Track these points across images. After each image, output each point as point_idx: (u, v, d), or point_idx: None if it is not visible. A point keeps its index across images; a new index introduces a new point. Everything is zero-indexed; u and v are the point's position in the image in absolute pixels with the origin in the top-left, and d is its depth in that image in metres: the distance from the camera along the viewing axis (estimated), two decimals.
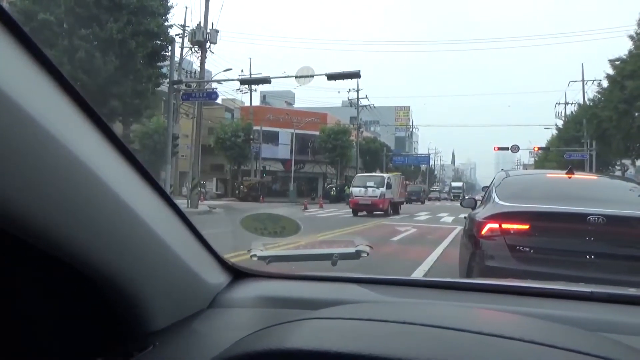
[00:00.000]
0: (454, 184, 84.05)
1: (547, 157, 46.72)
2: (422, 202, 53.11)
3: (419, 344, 0.67)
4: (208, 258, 1.13)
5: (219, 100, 45.60)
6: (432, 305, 1.04)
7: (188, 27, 27.75)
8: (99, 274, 0.81)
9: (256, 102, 74.77)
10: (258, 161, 45.12)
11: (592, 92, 30.36)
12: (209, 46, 23.92)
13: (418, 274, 6.27)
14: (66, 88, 0.67)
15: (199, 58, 24.40)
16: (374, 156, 59.65)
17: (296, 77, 20.13)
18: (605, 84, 22.76)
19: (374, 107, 59.11)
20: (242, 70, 52.27)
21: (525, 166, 77.59)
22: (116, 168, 0.79)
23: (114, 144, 0.78)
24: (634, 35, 19.64)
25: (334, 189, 43.75)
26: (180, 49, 30.38)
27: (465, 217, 4.59)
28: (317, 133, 49.85)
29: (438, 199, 63.98)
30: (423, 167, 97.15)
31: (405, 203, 45.06)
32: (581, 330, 0.79)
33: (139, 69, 20.04)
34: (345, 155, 49.10)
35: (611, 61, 20.96)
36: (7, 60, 0.60)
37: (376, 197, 22.47)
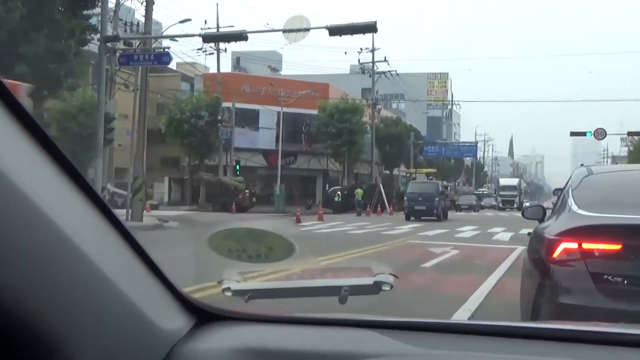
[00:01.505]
0: (504, 182, 75.68)
1: None
2: (476, 211, 56.55)
3: None
4: (162, 294, 1.16)
5: (172, 65, 45.82)
6: None
7: None
8: None
9: (226, 67, 75.40)
10: (229, 153, 44.74)
11: None
12: None
13: (461, 316, 6.36)
14: None
15: (144, 3, 24.33)
16: (398, 145, 58.59)
17: (285, 31, 20.11)
18: None
19: (397, 74, 58.21)
20: (205, 22, 51.87)
21: (615, 159, 75.83)
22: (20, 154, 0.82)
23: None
24: None
25: (340, 193, 43.68)
26: None
27: (529, 234, 4.64)
28: (314, 112, 49.68)
29: (495, 207, 63.32)
30: (467, 160, 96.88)
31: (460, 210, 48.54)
32: None
33: (57, 20, 19.74)
34: (355, 144, 48.61)
35: None
36: None
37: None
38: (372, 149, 53.40)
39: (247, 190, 39.95)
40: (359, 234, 21.06)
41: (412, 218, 31.61)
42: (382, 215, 37.90)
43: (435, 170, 66.36)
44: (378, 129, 56.99)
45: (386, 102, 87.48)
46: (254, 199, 40.48)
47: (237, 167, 45.05)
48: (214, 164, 44.38)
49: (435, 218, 31.26)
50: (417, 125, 73.20)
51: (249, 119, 50.67)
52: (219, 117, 42.62)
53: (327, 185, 50.96)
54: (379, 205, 42.05)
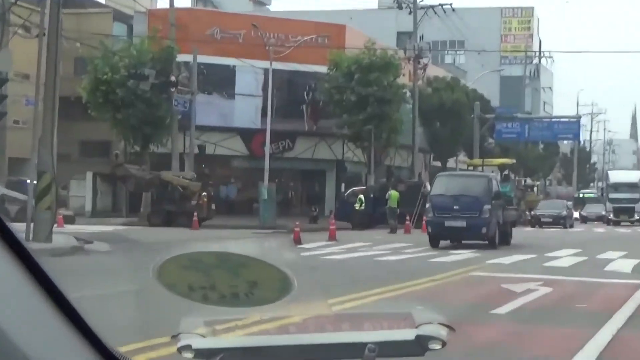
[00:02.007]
0: (616, 177, 72.81)
1: None
2: (569, 227, 55.61)
3: None
4: (84, 356, 1.21)
5: None
6: None
7: None
8: None
9: (183, 1, 75.15)
10: (188, 134, 45.21)
11: None
12: None
13: None
14: None
15: None
16: (454, 121, 59.68)
17: None
18: None
19: (452, 9, 58.29)
20: None
21: None
22: None
23: None
24: None
25: (363, 197, 44.05)
26: None
27: None
28: (323, 69, 50.34)
29: (605, 218, 62.48)
30: (565, 145, 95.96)
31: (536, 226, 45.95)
32: None
33: None
34: (386, 120, 49.18)
35: None
36: None
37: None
38: (414, 128, 53.09)
39: (202, 193, 39.70)
40: (392, 261, 21.00)
41: (448, 243, 28.83)
42: None
43: (514, 161, 66.23)
44: (423, 95, 56.75)
45: (436, 54, 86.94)
46: (212, 207, 40.55)
47: (201, 155, 45.25)
48: (164, 152, 44.55)
49: (486, 242, 27.65)
50: (485, 91, 73.19)
51: (221, 81, 50.90)
52: (173, 78, 42.66)
53: (342, 185, 51.18)
54: (424, 216, 41.81)
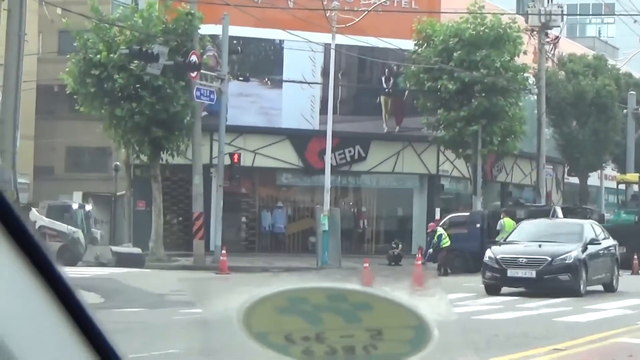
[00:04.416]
0: None
1: None
2: None
3: None
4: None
5: None
6: None
7: None
8: None
9: None
10: (216, 138, 45.72)
11: None
12: None
13: None
14: None
15: None
16: (599, 119, 60.01)
17: None
18: None
19: None
20: None
21: None
22: None
23: None
24: None
25: (443, 232, 43.16)
26: None
27: None
28: (409, 45, 50.92)
29: None
30: None
31: None
32: None
33: None
34: (499, 117, 49.57)
35: None
36: None
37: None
38: (540, 129, 53.46)
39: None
40: (503, 321, 21.25)
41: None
42: None
43: None
44: (554, 82, 56.77)
45: (574, 23, 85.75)
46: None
47: (234, 169, 45.13)
48: (182, 162, 45.11)
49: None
50: None
51: (263, 63, 51.40)
52: (194, 58, 42.58)
53: (437, 211, 51.40)
54: None
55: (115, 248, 42.94)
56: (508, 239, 34.51)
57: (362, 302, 1.81)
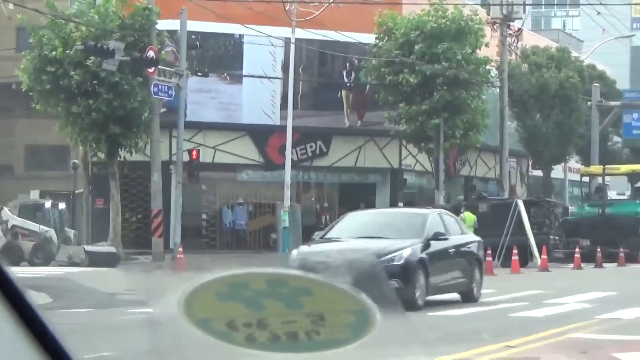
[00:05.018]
0: None
1: None
2: None
3: None
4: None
5: None
6: None
7: None
8: None
9: None
10: (175, 134, 45.84)
11: None
12: None
13: None
14: None
15: None
16: (562, 112, 60.10)
17: None
18: None
19: None
20: None
21: None
22: None
23: None
24: None
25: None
26: None
27: None
28: (369, 38, 51.29)
29: None
30: None
31: None
32: None
33: None
34: (462, 111, 49.48)
35: None
36: None
37: None
38: (503, 122, 53.50)
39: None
40: (459, 316, 21.55)
41: None
42: (523, 272, 38.48)
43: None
44: (517, 75, 56.89)
45: (538, 16, 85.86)
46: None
47: (193, 165, 44.95)
48: (140, 159, 45.14)
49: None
50: (609, 67, 73.44)
51: (222, 58, 51.33)
52: (151, 54, 42.31)
53: (400, 206, 50.38)
54: (513, 250, 41.41)
55: (88, 247, 43.06)
56: (327, 235, 27.31)
57: (302, 287, 1.82)
